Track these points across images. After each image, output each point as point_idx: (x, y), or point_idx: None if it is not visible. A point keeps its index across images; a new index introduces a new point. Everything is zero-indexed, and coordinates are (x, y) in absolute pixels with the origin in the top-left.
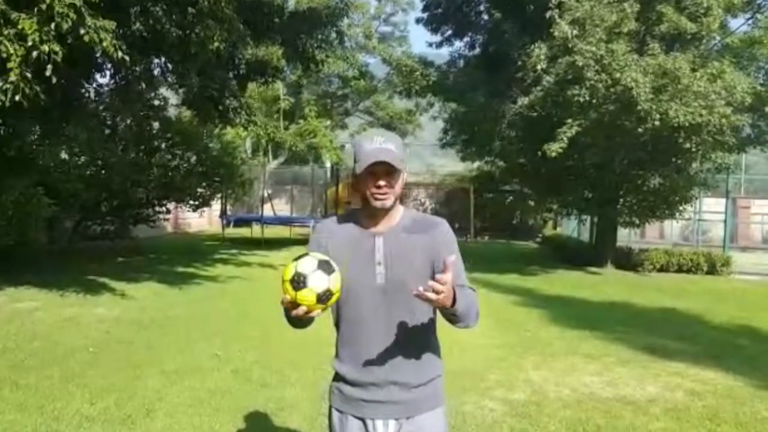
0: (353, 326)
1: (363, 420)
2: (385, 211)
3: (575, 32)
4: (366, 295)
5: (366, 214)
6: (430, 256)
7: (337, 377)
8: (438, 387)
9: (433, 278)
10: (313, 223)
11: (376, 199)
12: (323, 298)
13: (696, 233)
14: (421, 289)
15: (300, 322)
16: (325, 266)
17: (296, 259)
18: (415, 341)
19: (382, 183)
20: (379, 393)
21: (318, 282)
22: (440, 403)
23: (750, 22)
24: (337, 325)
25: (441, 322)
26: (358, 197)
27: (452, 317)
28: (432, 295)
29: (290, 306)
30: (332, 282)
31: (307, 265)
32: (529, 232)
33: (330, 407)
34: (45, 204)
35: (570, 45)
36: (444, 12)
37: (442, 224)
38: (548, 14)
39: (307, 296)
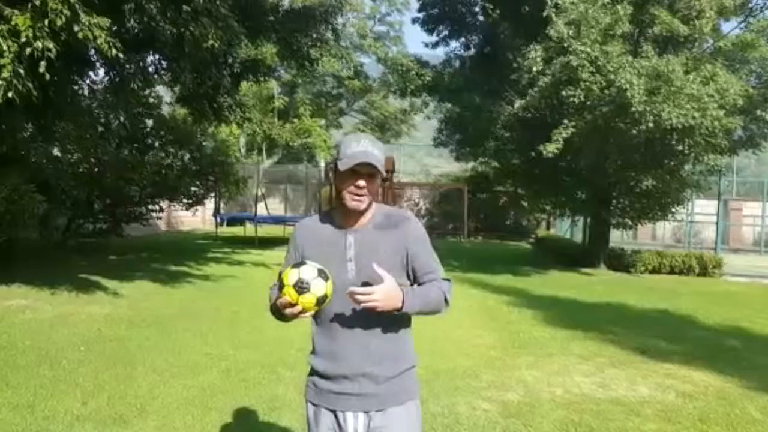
0: (327, 321)
1: (334, 412)
2: (359, 212)
3: (571, 32)
4: (339, 290)
5: (341, 213)
6: (399, 250)
7: (312, 371)
8: (410, 380)
9: (406, 272)
10: None
11: (353, 200)
12: (321, 301)
13: (688, 235)
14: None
15: (288, 319)
16: (323, 274)
17: (295, 266)
18: (387, 334)
19: (362, 183)
20: (349, 386)
21: (318, 288)
22: (412, 396)
23: (742, 25)
24: (314, 320)
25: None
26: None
27: (410, 316)
28: (364, 302)
29: (288, 306)
30: (328, 288)
31: (310, 273)
32: (523, 232)
33: (306, 401)
34: (37, 201)
35: (566, 45)
36: (440, 12)
37: (411, 219)
38: (545, 13)
39: (308, 300)
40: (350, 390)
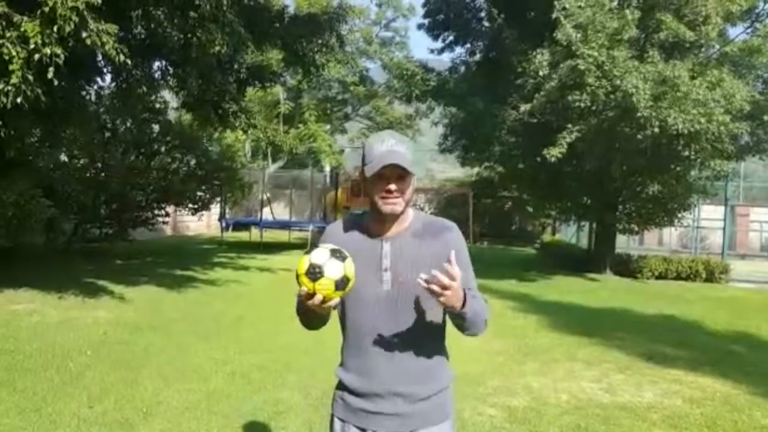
0: (359, 334)
1: (365, 431)
2: (395, 216)
3: (579, 36)
4: (372, 302)
5: (374, 219)
6: (440, 261)
7: (341, 386)
8: (445, 399)
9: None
10: (312, 228)
11: (387, 204)
12: (341, 284)
13: (694, 240)
14: (424, 277)
15: (315, 321)
16: (337, 254)
17: (307, 252)
18: (423, 350)
19: (392, 187)
20: (383, 404)
21: (334, 270)
22: (447, 416)
23: (749, 30)
24: (343, 332)
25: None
26: (365, 201)
27: (461, 321)
28: (437, 288)
29: (307, 297)
30: (347, 268)
31: (321, 256)
32: (528, 237)
33: (332, 416)
34: (44, 206)
35: (573, 48)
36: (445, 18)
37: (454, 229)
38: (554, 16)
39: (325, 285)
40: (384, 409)
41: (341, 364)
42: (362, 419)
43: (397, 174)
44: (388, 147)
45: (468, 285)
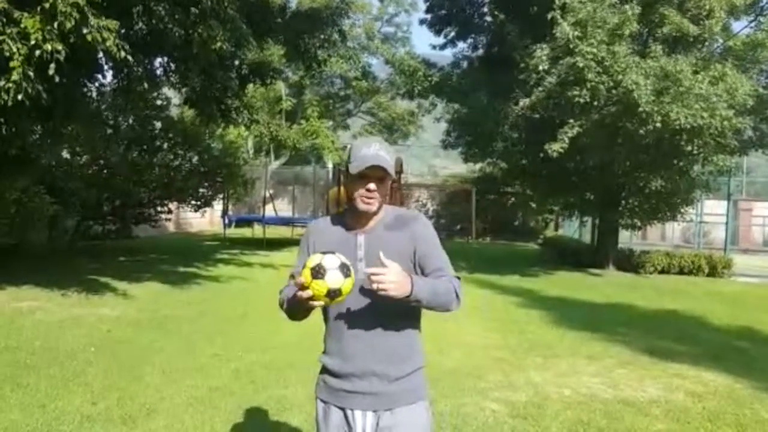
0: (337, 320)
1: (344, 410)
2: (370, 214)
3: (577, 33)
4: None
5: (352, 215)
6: (409, 250)
7: (323, 370)
8: (419, 380)
9: (414, 271)
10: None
11: (364, 203)
12: (332, 294)
13: (697, 235)
14: (370, 271)
15: (298, 313)
16: (344, 269)
17: (323, 252)
18: (396, 333)
19: (372, 187)
20: (359, 384)
21: (334, 279)
22: (421, 397)
23: (752, 24)
24: (325, 320)
25: (430, 316)
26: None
27: (418, 306)
28: (374, 284)
29: (300, 288)
30: (345, 284)
31: (331, 262)
32: (531, 233)
33: (316, 398)
34: (46, 203)
35: (571, 46)
36: (447, 13)
37: (419, 218)
38: (550, 15)
39: (319, 287)
40: (360, 389)
41: (324, 351)
42: (341, 399)
43: (379, 176)
44: (374, 151)
45: (437, 266)
